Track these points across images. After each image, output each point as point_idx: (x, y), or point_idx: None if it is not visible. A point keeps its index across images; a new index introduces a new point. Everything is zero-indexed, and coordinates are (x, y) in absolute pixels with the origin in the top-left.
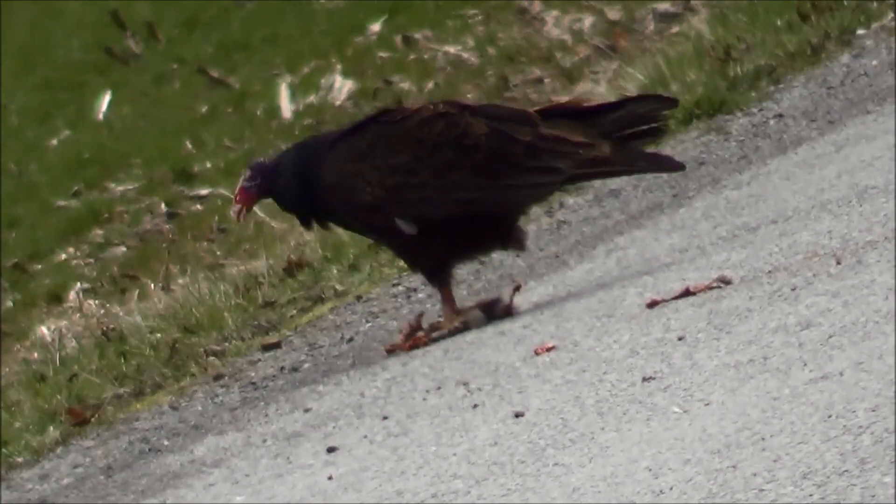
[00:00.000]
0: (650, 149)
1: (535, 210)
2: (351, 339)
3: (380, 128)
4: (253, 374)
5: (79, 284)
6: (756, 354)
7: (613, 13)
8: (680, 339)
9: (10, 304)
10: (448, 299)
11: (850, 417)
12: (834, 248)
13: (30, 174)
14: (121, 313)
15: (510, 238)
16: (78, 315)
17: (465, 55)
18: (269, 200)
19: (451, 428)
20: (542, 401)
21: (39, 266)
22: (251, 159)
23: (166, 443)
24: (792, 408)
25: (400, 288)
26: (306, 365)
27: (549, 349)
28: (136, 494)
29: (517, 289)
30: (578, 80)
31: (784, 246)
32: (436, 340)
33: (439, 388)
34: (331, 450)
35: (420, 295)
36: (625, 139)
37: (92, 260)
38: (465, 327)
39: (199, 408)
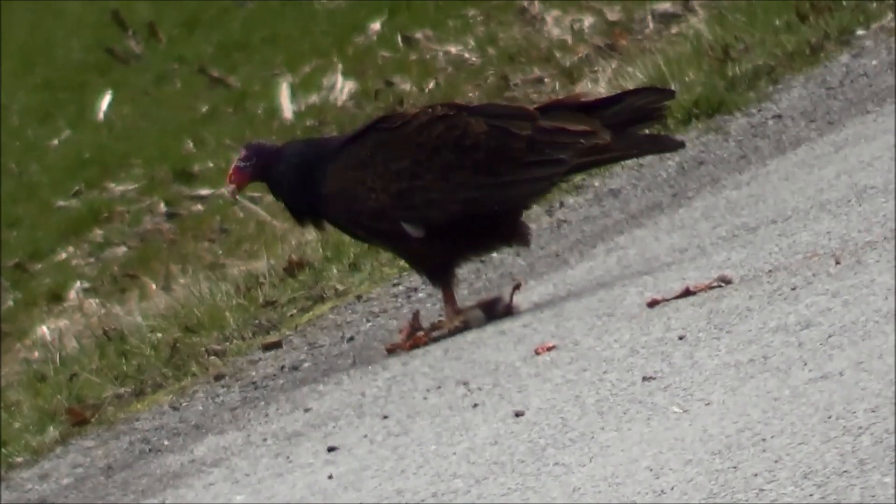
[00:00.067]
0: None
1: (536, 209)
2: (351, 339)
3: (379, 135)
4: (253, 374)
5: (79, 284)
6: (756, 354)
7: (613, 13)
8: (680, 338)
9: (10, 303)
10: (449, 299)
11: (850, 418)
12: (833, 248)
13: (30, 174)
14: (121, 313)
15: (515, 234)
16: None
17: (465, 55)
18: (269, 201)
19: (452, 427)
20: (542, 400)
21: (40, 266)
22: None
23: (166, 443)
24: (792, 408)
25: (400, 288)
26: (307, 364)
27: (549, 348)
28: (136, 494)
29: (517, 288)
30: (578, 80)
31: (784, 246)
32: (436, 340)
33: (439, 387)
34: (331, 449)
35: (420, 294)
36: (624, 126)
37: (92, 260)
38: (465, 327)
39: (200, 407)
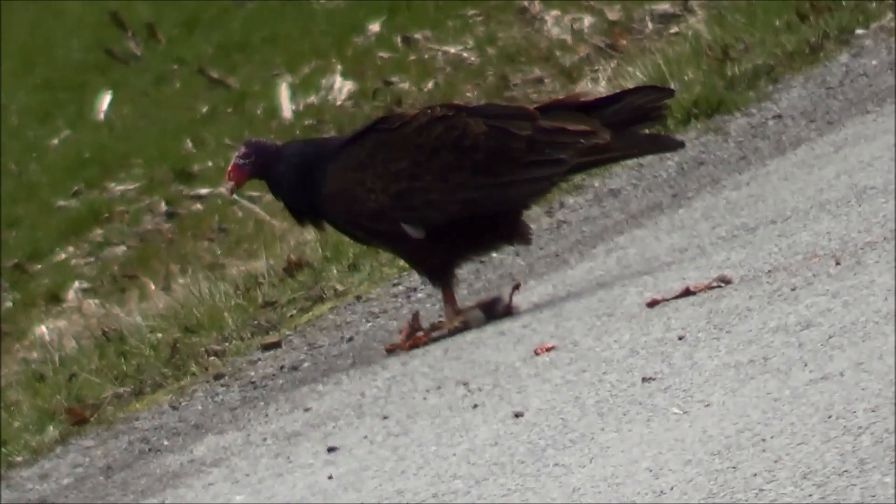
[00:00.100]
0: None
1: (536, 210)
2: (351, 339)
3: (379, 136)
4: (253, 374)
5: (78, 284)
6: (756, 354)
7: (613, 13)
8: (680, 338)
9: (9, 304)
10: (450, 300)
11: (850, 418)
12: (833, 249)
13: (30, 174)
14: (121, 313)
15: (516, 233)
16: (77, 315)
17: (465, 55)
18: (268, 200)
19: (451, 428)
20: (541, 401)
21: (39, 266)
22: (245, 136)
23: (166, 442)
24: (792, 408)
25: (400, 288)
26: (306, 364)
27: (548, 349)
28: (136, 494)
29: (517, 288)
30: (578, 80)
31: (783, 246)
32: (436, 340)
33: (439, 387)
34: (331, 449)
35: (420, 294)
36: (624, 125)
37: (92, 260)
38: (464, 327)
39: (199, 407)
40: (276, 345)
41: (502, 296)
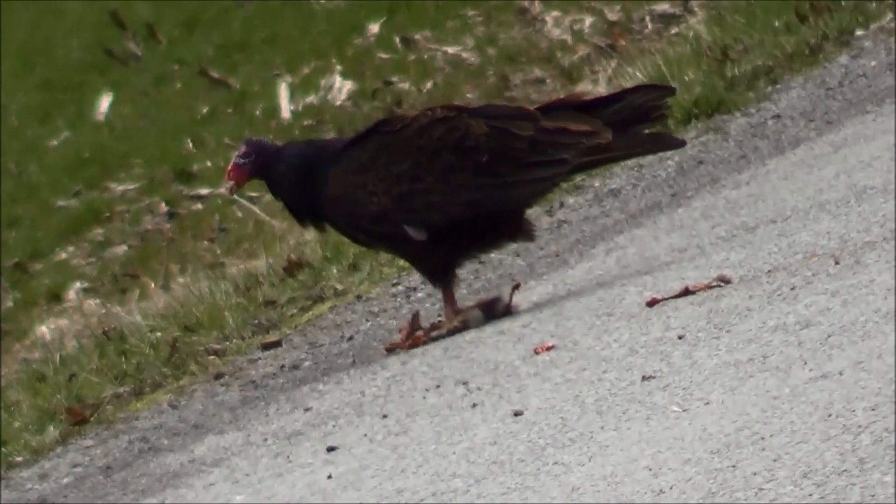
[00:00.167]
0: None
1: (536, 210)
2: (351, 338)
3: (380, 138)
4: (253, 373)
5: (78, 284)
6: (756, 353)
7: (613, 14)
8: (680, 337)
9: (10, 303)
10: (449, 299)
11: (850, 417)
12: (833, 248)
13: (30, 174)
14: (121, 312)
15: (519, 231)
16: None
17: (465, 55)
18: (268, 200)
19: (451, 427)
20: (541, 400)
21: (39, 266)
22: (246, 135)
23: (166, 442)
24: (791, 407)
25: (400, 287)
26: (306, 364)
27: (548, 348)
28: (136, 494)
29: (517, 288)
30: (578, 80)
31: (783, 246)
32: (435, 339)
33: (439, 386)
34: (331, 449)
35: (419, 294)
36: (625, 125)
37: (92, 259)
38: (464, 326)
39: (199, 407)
40: (277, 344)
41: (502, 295)
